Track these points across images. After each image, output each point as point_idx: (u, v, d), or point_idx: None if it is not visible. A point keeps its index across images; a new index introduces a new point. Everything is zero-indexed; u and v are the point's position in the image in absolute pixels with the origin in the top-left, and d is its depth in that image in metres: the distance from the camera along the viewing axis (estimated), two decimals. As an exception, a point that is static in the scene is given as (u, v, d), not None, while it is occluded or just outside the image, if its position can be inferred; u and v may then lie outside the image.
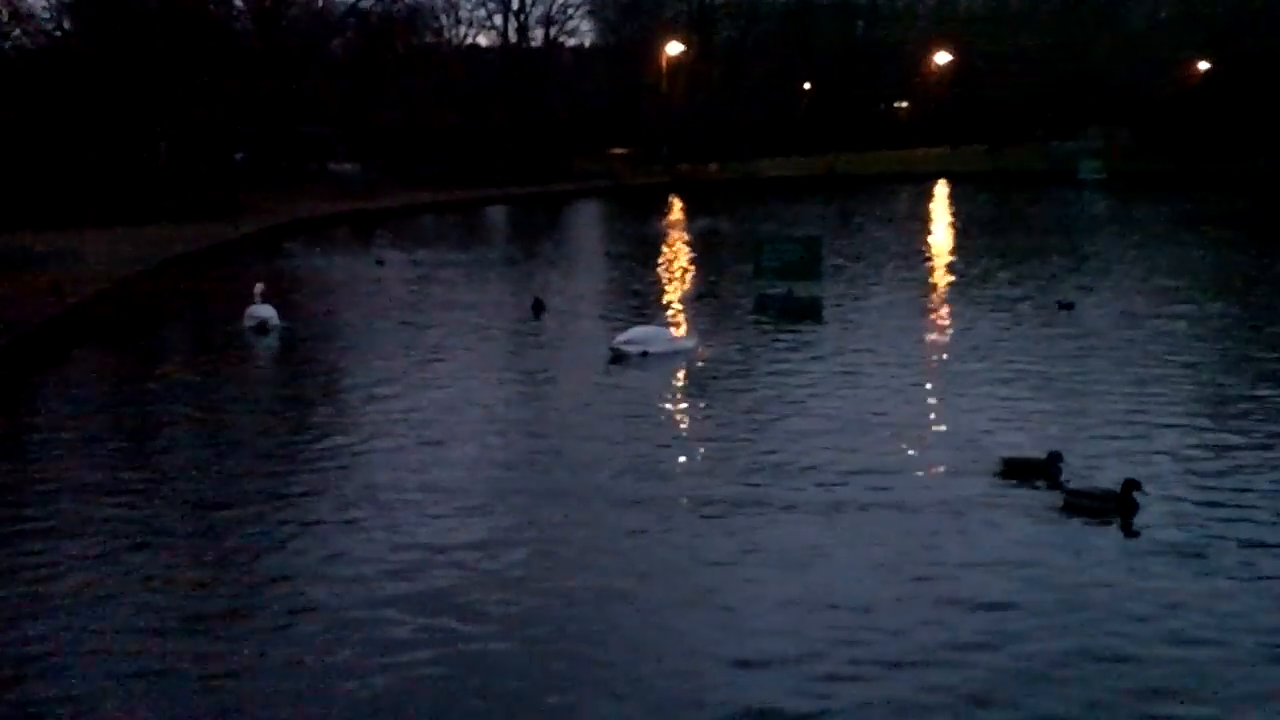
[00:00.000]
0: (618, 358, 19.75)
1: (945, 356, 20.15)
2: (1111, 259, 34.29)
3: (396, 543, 11.41)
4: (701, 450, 14.31)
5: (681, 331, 20.85)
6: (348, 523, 11.90)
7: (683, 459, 13.96)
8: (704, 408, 16.64)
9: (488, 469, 13.78)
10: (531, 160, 75.41)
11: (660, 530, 11.53)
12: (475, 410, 16.72)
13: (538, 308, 25.23)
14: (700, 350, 20.13)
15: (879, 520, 11.72)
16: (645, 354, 19.80)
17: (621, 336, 20.21)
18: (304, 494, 13.07)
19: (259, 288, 24.51)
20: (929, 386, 17.84)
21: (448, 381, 18.78)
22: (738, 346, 21.02)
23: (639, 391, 17.75)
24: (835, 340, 21.70)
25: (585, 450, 14.29)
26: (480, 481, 13.26)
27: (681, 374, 18.87)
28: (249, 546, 11.36)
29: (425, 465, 13.93)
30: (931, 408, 16.37)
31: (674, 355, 19.96)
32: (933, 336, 22.51)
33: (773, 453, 14.06)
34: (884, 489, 12.67)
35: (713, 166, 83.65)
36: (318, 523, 12.11)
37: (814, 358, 20.06)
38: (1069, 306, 24.05)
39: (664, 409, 16.71)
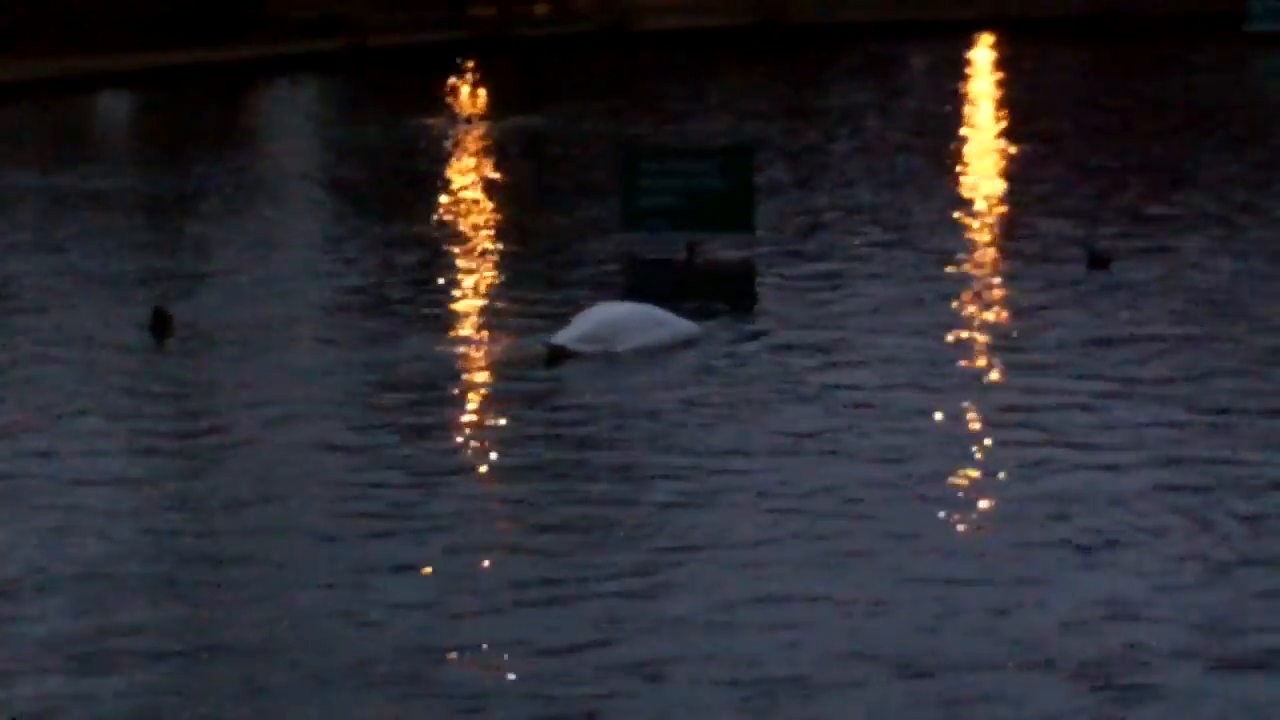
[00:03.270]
0: (554, 358, 18.88)
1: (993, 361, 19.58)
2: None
3: None
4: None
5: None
6: None
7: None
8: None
9: None
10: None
11: None
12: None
13: (160, 322, 22.49)
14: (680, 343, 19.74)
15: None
16: (611, 354, 19.20)
17: (577, 324, 19.23)
18: None
19: None
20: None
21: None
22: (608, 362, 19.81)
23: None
24: (794, 338, 20.46)
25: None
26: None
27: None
28: None
29: None
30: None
31: (655, 356, 19.46)
32: (962, 329, 20.93)
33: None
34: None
35: (540, 9, 78.16)
36: None
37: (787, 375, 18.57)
38: (1103, 263, 24.27)
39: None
